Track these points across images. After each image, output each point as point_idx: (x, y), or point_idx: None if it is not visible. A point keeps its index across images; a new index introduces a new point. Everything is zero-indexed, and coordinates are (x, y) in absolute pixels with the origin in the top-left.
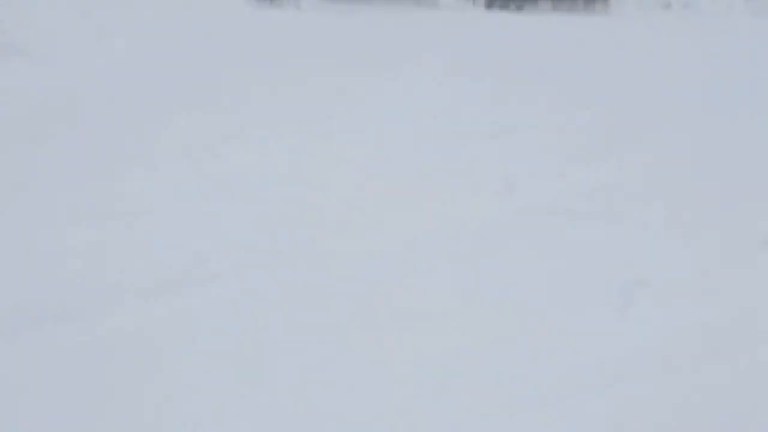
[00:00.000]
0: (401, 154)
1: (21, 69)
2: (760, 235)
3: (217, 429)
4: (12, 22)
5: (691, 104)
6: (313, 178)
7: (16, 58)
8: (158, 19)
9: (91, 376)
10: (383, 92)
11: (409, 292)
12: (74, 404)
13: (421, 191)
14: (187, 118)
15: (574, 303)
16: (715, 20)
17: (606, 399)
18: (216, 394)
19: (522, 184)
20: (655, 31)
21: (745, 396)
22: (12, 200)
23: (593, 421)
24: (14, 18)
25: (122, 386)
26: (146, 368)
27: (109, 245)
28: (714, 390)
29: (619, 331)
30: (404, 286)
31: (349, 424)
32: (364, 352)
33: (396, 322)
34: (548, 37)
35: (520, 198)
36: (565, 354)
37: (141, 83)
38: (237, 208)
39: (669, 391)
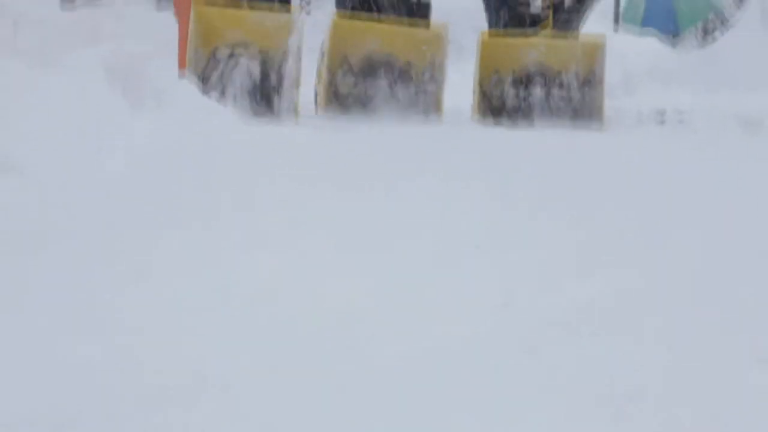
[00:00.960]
0: (394, 269)
1: (16, 186)
2: (757, 352)
3: None
4: (7, 138)
5: (690, 221)
6: (307, 293)
7: (11, 175)
8: (155, 137)
9: None
10: (379, 208)
11: (406, 407)
12: None
13: (416, 306)
14: (184, 233)
15: (570, 415)
16: (708, 138)
17: None
18: None
19: (519, 298)
20: (651, 148)
21: None
22: (9, 314)
23: None
24: (9, 134)
25: None
26: None
27: (107, 359)
28: None
29: None
30: (402, 402)
31: None
32: None
33: None
34: (545, 152)
35: (517, 312)
36: None
37: (137, 199)
38: (235, 322)
39: None
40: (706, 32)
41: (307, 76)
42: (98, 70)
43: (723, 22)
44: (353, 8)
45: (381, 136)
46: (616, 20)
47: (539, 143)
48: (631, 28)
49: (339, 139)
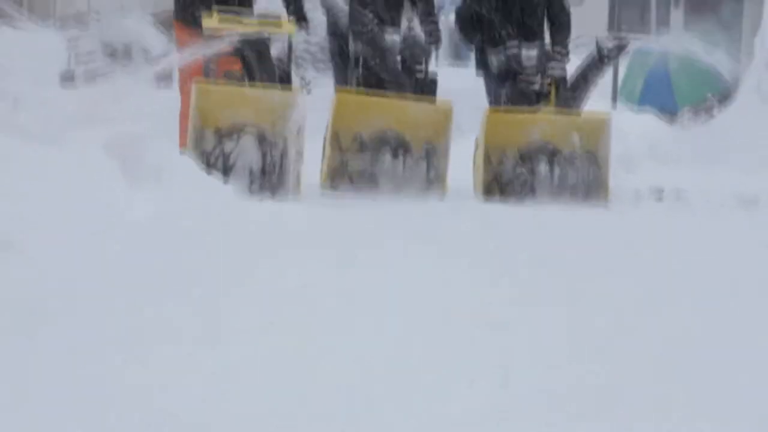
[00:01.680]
0: (391, 347)
1: (15, 263)
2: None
3: None
4: (6, 215)
5: (690, 302)
6: (299, 371)
7: (10, 252)
8: (155, 215)
9: None
10: (376, 285)
11: None
12: None
13: (413, 386)
14: (184, 309)
15: None
16: (707, 217)
17: None
18: None
19: (518, 380)
20: (649, 227)
21: None
22: (9, 392)
23: None
24: (9, 211)
25: None
26: None
27: None
28: None
29: None
30: None
31: None
32: None
33: None
34: (546, 230)
35: (516, 395)
36: None
37: (136, 276)
38: (229, 399)
39: None
40: (705, 110)
41: (309, 153)
42: (98, 149)
43: (721, 99)
44: (357, 86)
45: (383, 213)
46: (614, 98)
47: (541, 220)
48: (629, 105)
49: (340, 215)
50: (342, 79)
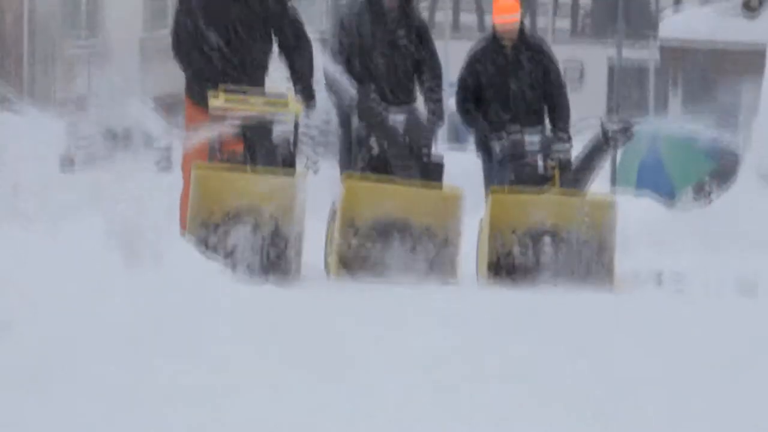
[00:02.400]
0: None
1: (14, 345)
2: None
3: None
4: (5, 298)
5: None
6: None
7: (9, 335)
8: (153, 299)
9: None
10: (375, 377)
11: None
12: None
13: None
14: (178, 395)
15: None
16: (705, 302)
17: None
18: None
19: None
20: (649, 313)
21: None
22: None
23: None
24: (8, 294)
25: None
26: None
27: None
28: None
29: None
30: None
31: None
32: None
33: None
34: (548, 314)
35: None
36: None
37: (134, 360)
38: None
39: None
40: (703, 193)
41: (309, 234)
42: (96, 232)
43: (719, 182)
44: (362, 169)
45: (388, 299)
46: (613, 182)
47: (544, 303)
48: (627, 189)
49: (341, 302)
50: (347, 162)
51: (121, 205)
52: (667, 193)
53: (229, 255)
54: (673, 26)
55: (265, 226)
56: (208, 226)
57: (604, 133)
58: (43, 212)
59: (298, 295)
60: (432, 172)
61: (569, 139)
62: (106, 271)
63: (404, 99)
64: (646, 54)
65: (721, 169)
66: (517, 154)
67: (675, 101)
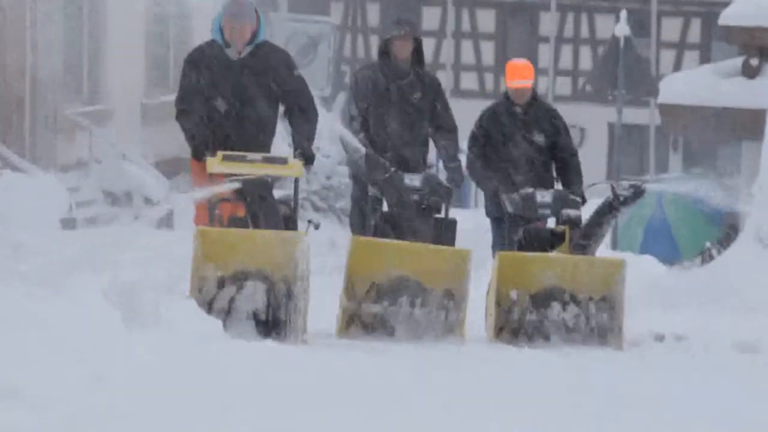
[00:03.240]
0: None
1: (16, 410)
2: None
3: None
4: (7, 362)
5: None
6: None
7: (11, 399)
8: (154, 361)
9: None
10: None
11: None
12: None
13: None
14: None
15: None
16: (707, 364)
17: None
18: None
19: None
20: (652, 374)
21: None
22: None
23: None
24: (9, 358)
25: None
26: None
27: None
28: None
29: None
30: None
31: None
32: None
33: None
34: (558, 377)
35: None
36: None
37: (136, 421)
38: None
39: None
40: (706, 257)
41: (318, 295)
42: (97, 294)
43: (720, 247)
44: (373, 230)
45: (395, 361)
46: (614, 245)
47: (555, 364)
48: (628, 255)
49: (347, 363)
50: (359, 225)
51: (121, 266)
52: (675, 259)
53: (232, 316)
54: (673, 88)
55: (269, 288)
56: (211, 287)
57: (615, 195)
58: (44, 274)
59: (302, 355)
60: (445, 232)
61: (583, 199)
62: (106, 332)
63: (420, 160)
64: (646, 115)
65: (725, 234)
66: (527, 213)
67: (675, 163)
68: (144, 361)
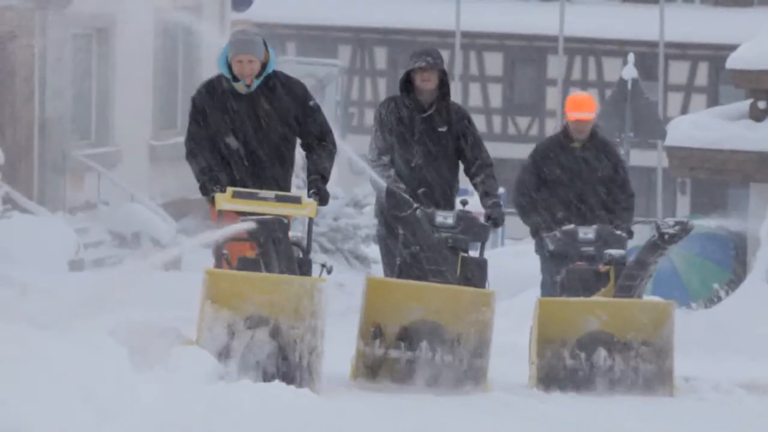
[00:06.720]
0: None
1: None
2: None
3: None
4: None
5: None
6: None
7: None
8: (161, 403)
9: None
10: None
11: None
12: None
13: None
14: None
15: None
16: (717, 408)
17: None
18: None
19: None
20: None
21: None
22: None
23: None
24: (17, 398)
25: None
26: None
27: None
28: None
29: None
30: None
31: None
32: None
33: None
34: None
35: None
36: None
37: None
38: None
39: None
40: (714, 300)
41: (327, 338)
42: (104, 336)
43: (730, 290)
44: (399, 273)
45: (416, 410)
46: None
47: (601, 414)
48: None
49: (359, 407)
50: (390, 267)
51: (128, 308)
52: (684, 304)
53: (242, 360)
54: (681, 130)
55: (281, 333)
56: (221, 332)
57: (661, 234)
58: (51, 315)
59: (312, 398)
60: (474, 272)
61: (629, 234)
62: (112, 374)
63: (449, 195)
64: (654, 158)
65: (733, 278)
66: (568, 251)
67: (683, 205)
68: (150, 402)
